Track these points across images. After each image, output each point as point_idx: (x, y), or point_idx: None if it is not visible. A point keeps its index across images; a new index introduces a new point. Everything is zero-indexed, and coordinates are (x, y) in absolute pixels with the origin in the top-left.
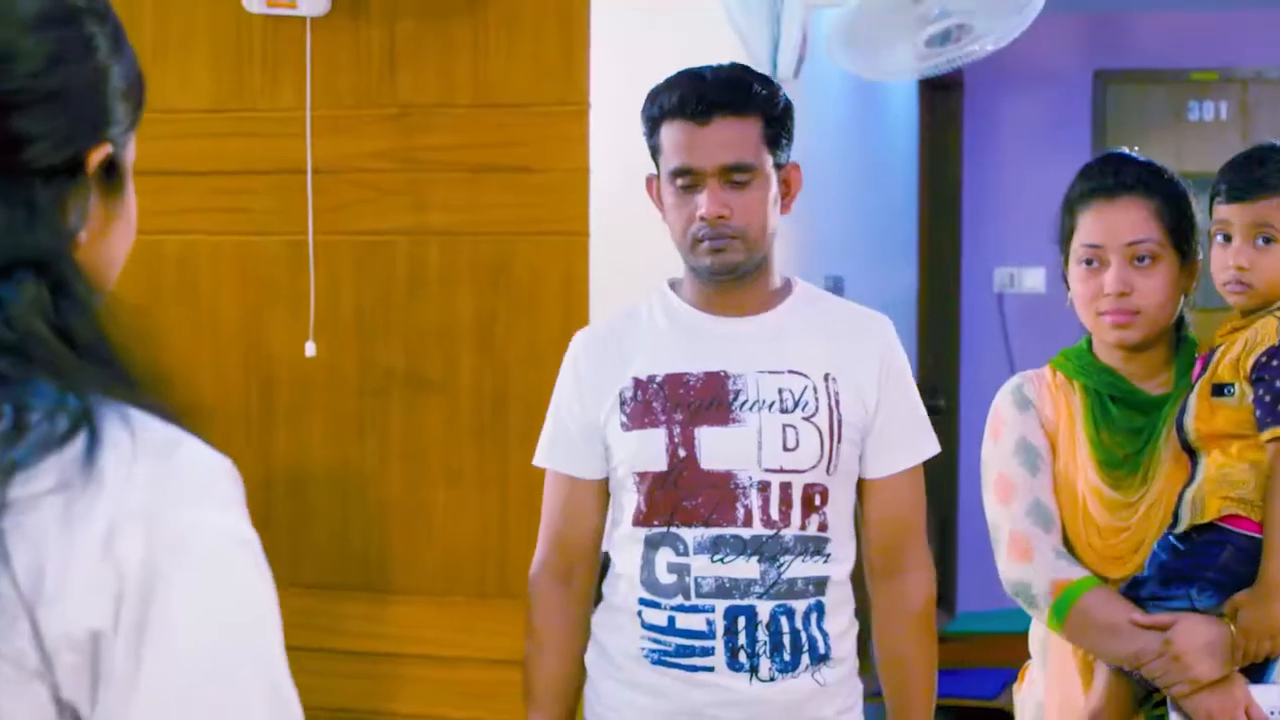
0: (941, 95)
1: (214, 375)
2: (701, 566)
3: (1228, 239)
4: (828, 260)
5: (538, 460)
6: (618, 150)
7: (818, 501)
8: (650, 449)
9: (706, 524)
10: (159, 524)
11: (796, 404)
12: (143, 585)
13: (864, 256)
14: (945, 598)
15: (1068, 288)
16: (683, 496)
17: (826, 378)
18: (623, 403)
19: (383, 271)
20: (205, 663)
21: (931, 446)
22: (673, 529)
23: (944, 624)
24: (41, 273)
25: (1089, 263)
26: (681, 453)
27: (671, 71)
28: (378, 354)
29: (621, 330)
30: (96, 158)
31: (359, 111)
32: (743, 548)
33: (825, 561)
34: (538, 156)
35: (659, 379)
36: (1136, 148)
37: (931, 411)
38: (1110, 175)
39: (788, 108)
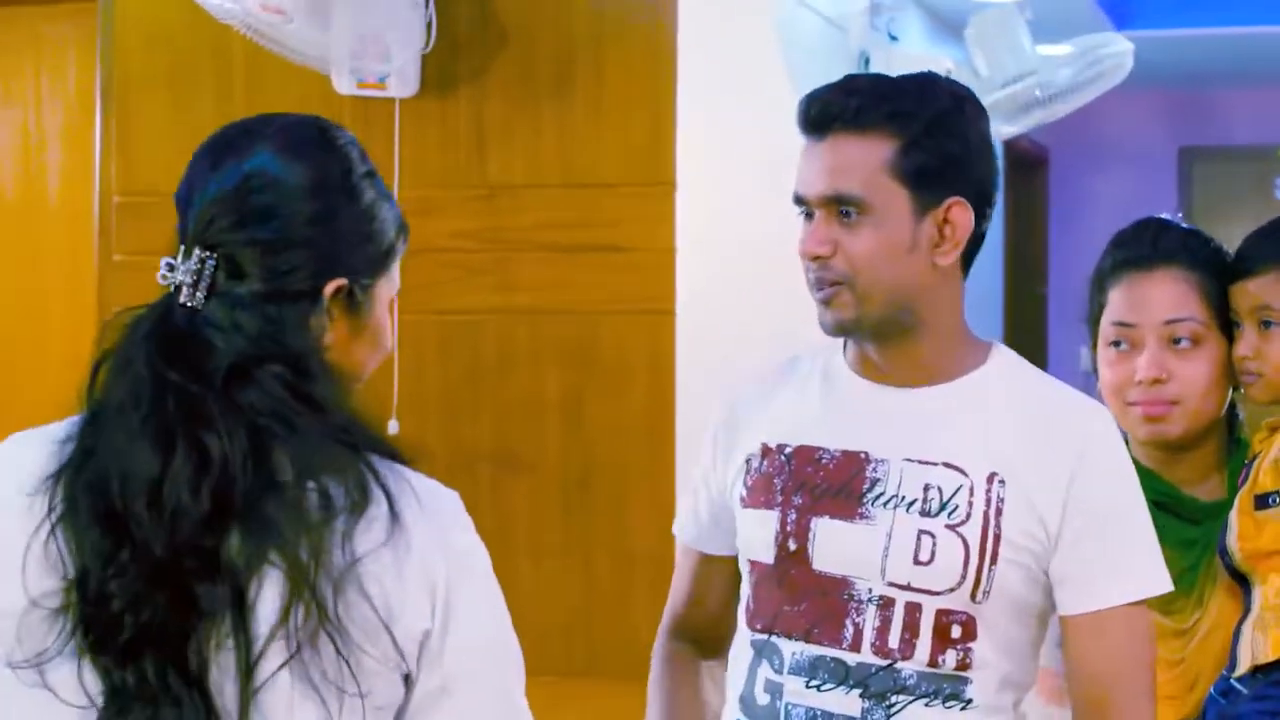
0: (1027, 173)
1: None
2: (794, 691)
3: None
4: None
5: (675, 528)
6: (705, 229)
7: (956, 634)
8: (760, 534)
9: (807, 638)
10: (449, 550)
11: (942, 507)
12: (447, 592)
13: None
14: None
15: (1096, 375)
16: (785, 599)
17: (991, 479)
18: (748, 472)
19: (470, 350)
20: (484, 635)
21: (1157, 583)
22: (773, 638)
23: None
24: (291, 365)
25: (1118, 344)
26: (792, 545)
27: (757, 154)
28: (464, 431)
29: (772, 385)
30: (330, 289)
31: (447, 191)
32: (844, 675)
33: (962, 710)
34: (625, 236)
35: (789, 450)
36: (1180, 214)
37: None
38: (1146, 244)
39: (949, 127)
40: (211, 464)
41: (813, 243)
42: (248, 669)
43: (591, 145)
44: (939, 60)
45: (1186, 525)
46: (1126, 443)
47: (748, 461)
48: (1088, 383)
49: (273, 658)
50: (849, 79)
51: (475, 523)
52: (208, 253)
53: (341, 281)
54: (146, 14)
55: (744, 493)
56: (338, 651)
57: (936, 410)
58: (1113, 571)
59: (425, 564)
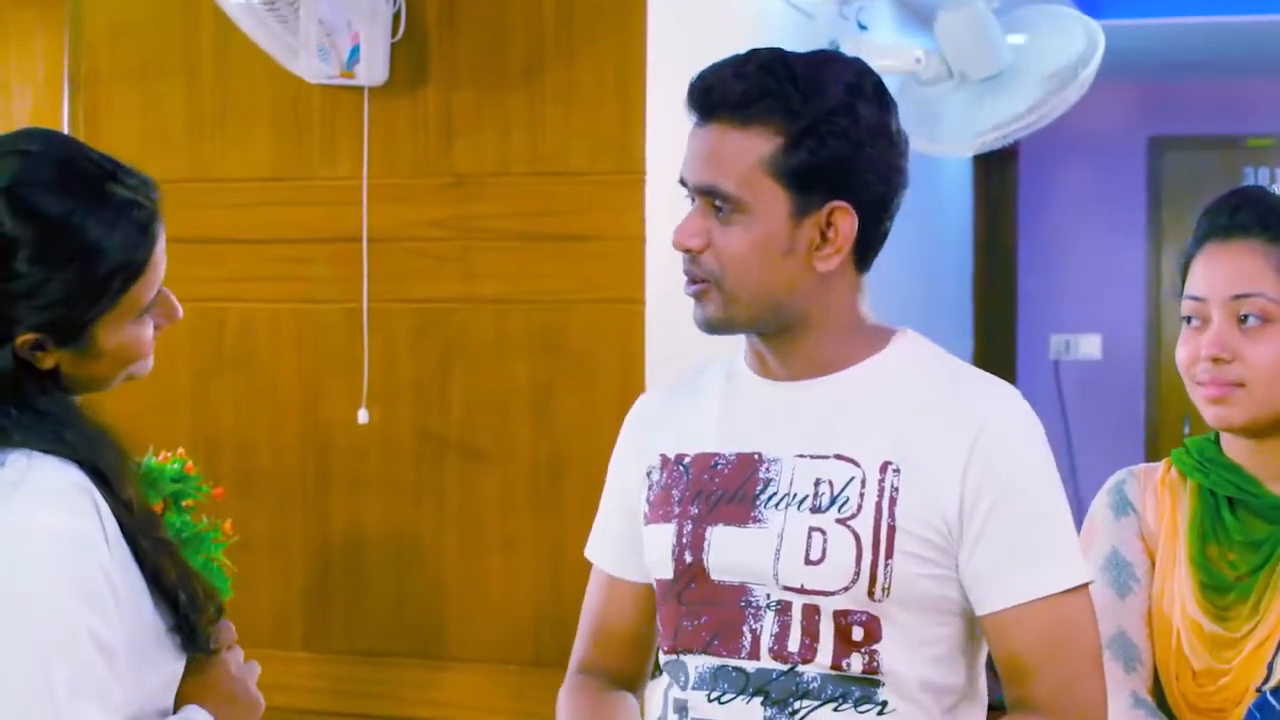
0: (996, 163)
1: (270, 441)
2: (697, 705)
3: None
4: None
5: (586, 550)
6: (674, 218)
7: (859, 636)
8: (660, 550)
9: (707, 650)
10: None
11: (833, 501)
12: None
13: (918, 325)
14: None
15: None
16: (684, 614)
17: (885, 468)
18: (649, 486)
19: (438, 339)
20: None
21: (1073, 572)
22: (680, 656)
23: None
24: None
25: (1190, 320)
26: (688, 557)
27: None
28: (433, 422)
29: (676, 394)
30: (20, 343)
31: (416, 180)
32: (744, 684)
33: (880, 714)
34: (594, 224)
35: (687, 459)
36: (1279, 185)
37: None
38: (1225, 214)
39: (838, 126)
40: None
41: (684, 234)
42: None
43: (560, 134)
44: (908, 50)
45: (1259, 523)
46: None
47: (648, 475)
48: (1056, 369)
49: None
50: (742, 58)
51: (445, 514)
52: None
53: (29, 337)
54: (115, 5)
55: (646, 509)
56: None
57: (828, 402)
58: (1023, 563)
59: None
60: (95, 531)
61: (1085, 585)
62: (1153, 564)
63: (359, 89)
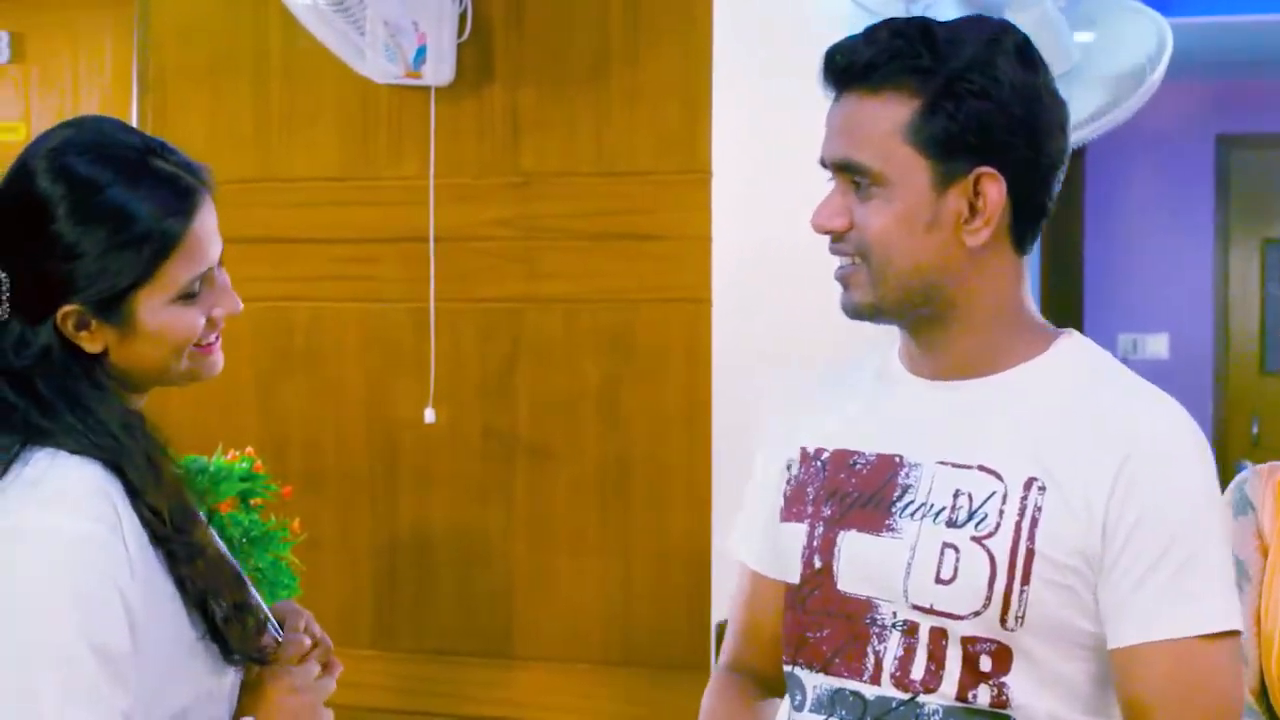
0: None
1: (338, 440)
2: None
3: None
4: None
5: (731, 542)
6: (741, 217)
7: (986, 666)
8: (790, 551)
9: (826, 669)
10: None
11: (970, 516)
12: None
13: None
14: None
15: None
16: (808, 624)
17: (1029, 485)
18: (787, 480)
19: (505, 338)
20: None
21: (1205, 617)
22: (796, 669)
23: None
24: (12, 377)
25: None
26: (817, 562)
27: (792, 140)
28: (500, 421)
29: (826, 384)
30: (60, 315)
31: (482, 180)
32: (861, 712)
33: None
34: (660, 224)
35: (826, 455)
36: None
37: None
38: None
39: (977, 85)
40: None
41: (824, 215)
42: None
43: (626, 133)
44: None
45: None
46: None
47: (788, 468)
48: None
49: None
50: (874, 27)
51: (513, 513)
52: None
53: (70, 309)
54: (183, 6)
55: (782, 504)
56: None
57: (977, 406)
58: (1157, 597)
59: None
60: (111, 535)
61: (1232, 634)
62: (1266, 562)
63: (425, 89)
